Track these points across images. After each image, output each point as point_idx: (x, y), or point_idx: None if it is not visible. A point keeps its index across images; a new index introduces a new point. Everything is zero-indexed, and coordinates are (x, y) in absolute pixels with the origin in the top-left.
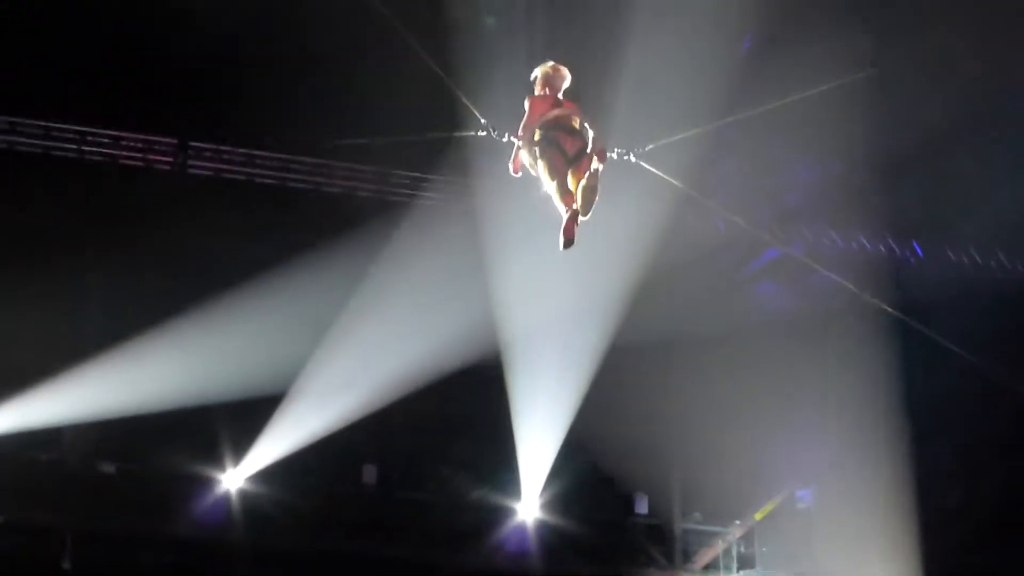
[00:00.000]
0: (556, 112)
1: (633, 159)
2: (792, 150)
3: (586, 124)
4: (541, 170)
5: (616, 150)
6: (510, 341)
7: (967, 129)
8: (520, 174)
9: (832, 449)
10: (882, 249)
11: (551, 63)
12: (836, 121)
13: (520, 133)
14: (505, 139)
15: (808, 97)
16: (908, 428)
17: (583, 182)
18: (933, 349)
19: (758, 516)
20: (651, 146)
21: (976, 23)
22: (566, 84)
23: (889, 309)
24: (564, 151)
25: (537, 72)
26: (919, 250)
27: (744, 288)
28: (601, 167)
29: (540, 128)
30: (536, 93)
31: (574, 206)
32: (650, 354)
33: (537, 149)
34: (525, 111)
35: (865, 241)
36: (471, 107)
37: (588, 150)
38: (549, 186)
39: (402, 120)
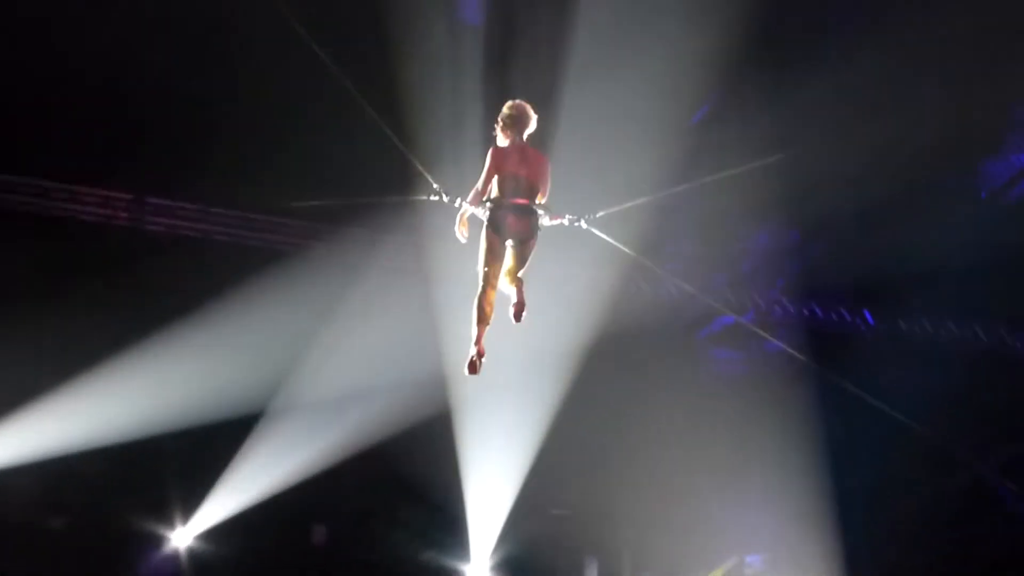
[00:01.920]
0: (514, 173)
1: (584, 226)
2: (745, 217)
3: (540, 192)
4: (480, 250)
5: (567, 216)
6: (459, 403)
7: (921, 198)
8: (467, 239)
9: (782, 515)
10: (834, 317)
11: (513, 102)
12: (789, 188)
13: (470, 199)
14: (457, 204)
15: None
16: (859, 494)
17: (516, 273)
18: (883, 418)
19: None
20: (602, 213)
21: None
22: (531, 126)
23: (840, 379)
24: (505, 234)
25: (502, 113)
26: (870, 318)
27: (696, 354)
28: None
29: (491, 201)
30: (499, 142)
31: (481, 344)
32: (600, 418)
33: (483, 228)
34: (485, 165)
35: (817, 308)
36: (424, 171)
37: (532, 234)
38: (480, 271)
39: (358, 178)
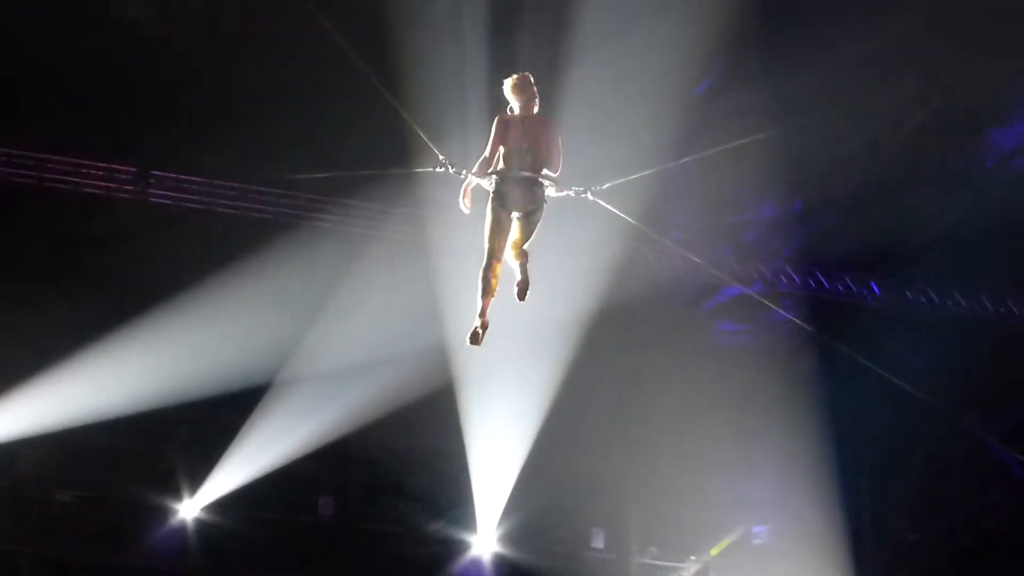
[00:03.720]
0: (520, 144)
1: (590, 197)
2: (750, 187)
3: (549, 163)
4: (486, 222)
5: (573, 188)
6: (464, 374)
7: (926, 168)
8: (470, 210)
9: (788, 485)
10: (839, 287)
11: (518, 75)
12: (793, 158)
13: (476, 171)
14: (463, 175)
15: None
16: (866, 465)
17: (522, 245)
18: (889, 388)
19: (714, 552)
20: (608, 184)
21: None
22: (535, 98)
23: (846, 349)
24: (511, 207)
25: (506, 84)
26: (876, 289)
27: (702, 325)
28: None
29: (496, 174)
30: (507, 112)
31: (486, 316)
32: (606, 389)
33: (489, 200)
34: (490, 136)
35: (823, 279)
36: (429, 143)
37: (538, 207)
38: (485, 243)
39: (363, 150)
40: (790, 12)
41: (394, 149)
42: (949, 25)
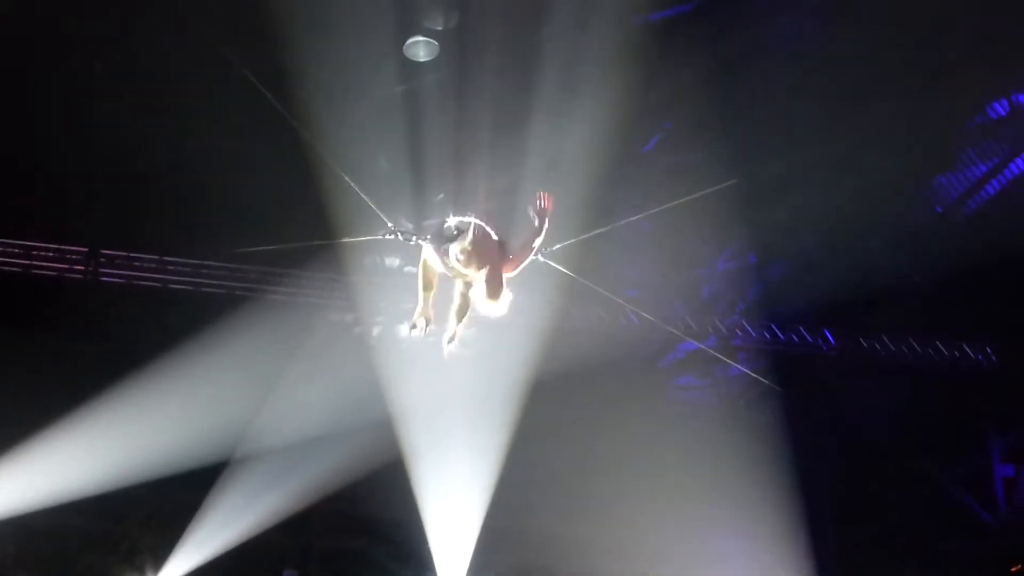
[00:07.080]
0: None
1: (541, 259)
2: (703, 242)
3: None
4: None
5: None
6: (414, 443)
7: (877, 219)
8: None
9: (753, 540)
10: (795, 338)
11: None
12: (745, 211)
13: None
14: (413, 242)
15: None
16: (828, 515)
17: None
18: (848, 437)
19: None
20: (559, 245)
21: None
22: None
23: (803, 400)
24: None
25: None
26: (831, 338)
27: (659, 382)
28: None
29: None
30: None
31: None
32: (564, 450)
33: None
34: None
35: (778, 331)
36: (377, 211)
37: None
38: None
39: (314, 222)
40: (738, 65)
41: (342, 219)
42: (896, 72)
